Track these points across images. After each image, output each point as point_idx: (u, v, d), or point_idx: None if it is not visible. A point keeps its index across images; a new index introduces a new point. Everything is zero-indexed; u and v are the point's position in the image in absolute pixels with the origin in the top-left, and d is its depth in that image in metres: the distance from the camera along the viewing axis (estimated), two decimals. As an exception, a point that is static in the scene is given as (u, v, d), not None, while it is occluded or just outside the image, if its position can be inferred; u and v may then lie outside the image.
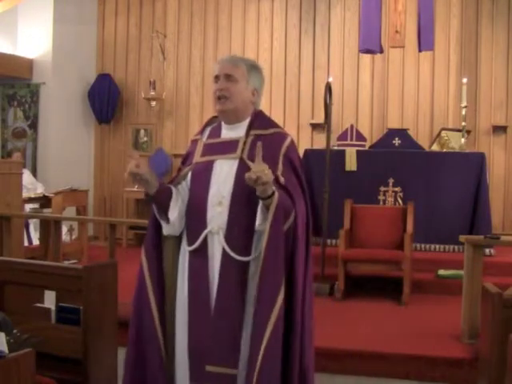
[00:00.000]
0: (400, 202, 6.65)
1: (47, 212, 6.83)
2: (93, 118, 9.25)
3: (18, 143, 8.85)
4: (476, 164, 6.63)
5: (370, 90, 8.37)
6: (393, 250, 5.71)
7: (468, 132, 7.31)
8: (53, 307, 3.36)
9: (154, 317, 2.50)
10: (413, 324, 4.83)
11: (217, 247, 2.43)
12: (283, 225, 2.36)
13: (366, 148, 7.30)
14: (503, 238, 4.98)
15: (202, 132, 2.68)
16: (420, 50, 7.46)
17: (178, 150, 8.96)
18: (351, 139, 7.35)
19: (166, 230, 2.54)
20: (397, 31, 7.61)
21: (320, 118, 7.77)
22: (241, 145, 2.50)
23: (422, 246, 6.64)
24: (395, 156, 6.85)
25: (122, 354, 3.61)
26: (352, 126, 7.57)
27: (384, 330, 4.68)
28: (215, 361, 2.36)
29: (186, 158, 2.67)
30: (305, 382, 2.44)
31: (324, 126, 7.25)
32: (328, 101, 6.29)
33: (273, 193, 2.32)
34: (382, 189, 6.73)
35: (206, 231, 2.44)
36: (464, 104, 6.98)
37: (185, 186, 2.58)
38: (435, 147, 7.37)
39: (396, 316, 5.09)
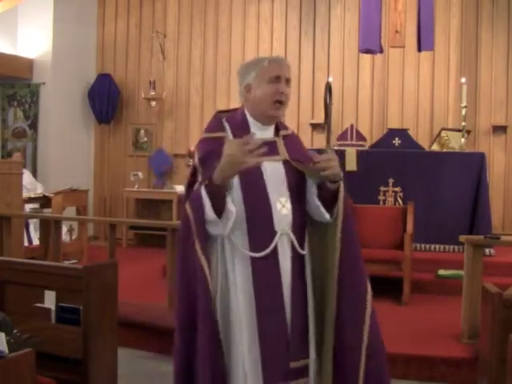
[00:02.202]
0: (400, 202, 6.65)
1: (47, 212, 6.82)
2: (93, 118, 9.26)
3: (18, 143, 8.85)
4: (476, 164, 6.63)
5: (370, 90, 8.37)
6: (393, 250, 5.71)
7: (468, 132, 7.31)
8: (53, 307, 3.35)
9: (218, 324, 2.40)
10: (413, 324, 4.83)
11: (285, 248, 2.45)
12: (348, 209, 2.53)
13: (366, 148, 7.30)
14: (503, 238, 4.99)
15: (222, 129, 2.54)
16: (420, 50, 7.46)
17: (178, 150, 8.97)
18: (351, 139, 7.35)
19: (217, 229, 2.38)
20: (397, 31, 7.62)
21: (320, 118, 7.79)
22: (280, 146, 2.54)
23: (422, 246, 6.64)
24: (395, 156, 6.85)
25: (121, 353, 3.63)
26: (352, 126, 7.57)
27: (384, 330, 4.67)
28: (298, 356, 2.43)
29: (207, 158, 2.45)
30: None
31: (324, 126, 7.25)
32: (328, 101, 6.30)
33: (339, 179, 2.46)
34: (382, 189, 6.74)
35: (278, 235, 2.42)
36: (464, 104, 6.98)
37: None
38: (435, 147, 7.38)
39: (396, 316, 5.09)
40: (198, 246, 2.36)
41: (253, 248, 2.40)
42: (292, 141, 2.60)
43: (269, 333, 2.39)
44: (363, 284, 2.57)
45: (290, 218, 2.46)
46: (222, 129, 2.53)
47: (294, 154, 2.53)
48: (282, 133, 2.58)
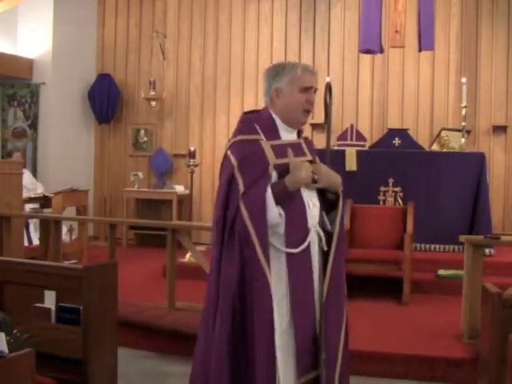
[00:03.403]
0: (400, 202, 6.65)
1: (47, 212, 6.82)
2: (93, 118, 9.26)
3: (18, 143, 8.85)
4: (476, 164, 6.63)
5: (370, 90, 8.37)
6: (393, 250, 5.71)
7: (468, 132, 7.31)
8: (53, 307, 3.36)
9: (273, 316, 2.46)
10: (413, 324, 4.83)
11: (315, 244, 2.62)
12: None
13: (366, 148, 7.30)
14: (503, 238, 4.99)
15: (255, 131, 2.61)
16: (420, 50, 7.46)
17: (178, 150, 8.97)
18: (351, 139, 7.35)
19: (273, 228, 2.49)
20: (397, 31, 7.61)
21: (320, 118, 7.76)
22: (305, 148, 2.74)
23: (422, 246, 6.64)
24: (395, 156, 6.85)
25: (121, 353, 3.63)
26: (352, 126, 7.57)
27: (384, 330, 4.68)
28: (325, 348, 2.55)
29: (246, 160, 2.53)
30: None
31: (324, 126, 7.25)
32: (328, 101, 6.28)
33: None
34: (382, 189, 6.74)
35: (312, 232, 2.59)
36: (464, 104, 6.98)
37: None
38: (435, 147, 7.37)
39: (396, 316, 5.09)
40: (259, 252, 2.43)
41: (289, 244, 2.52)
42: (309, 143, 2.84)
43: (302, 325, 2.52)
44: (342, 300, 2.70)
45: (317, 217, 2.64)
46: (255, 131, 2.61)
47: (313, 155, 2.75)
48: (303, 136, 2.82)
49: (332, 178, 2.64)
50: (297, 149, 2.65)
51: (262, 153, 2.55)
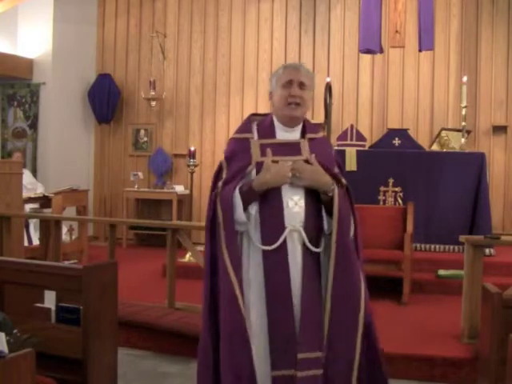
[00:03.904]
0: (400, 202, 6.65)
1: (47, 212, 6.82)
2: (93, 118, 9.26)
3: (18, 143, 8.85)
4: (476, 164, 6.62)
5: (370, 90, 8.37)
6: (393, 250, 5.71)
7: (468, 132, 7.31)
8: (53, 307, 3.36)
9: (242, 311, 2.55)
10: (413, 324, 4.83)
11: (296, 243, 2.59)
12: (348, 219, 2.63)
13: (366, 148, 7.30)
14: (503, 238, 4.99)
15: (248, 130, 2.75)
16: (420, 50, 7.45)
17: (178, 150, 8.97)
18: (351, 139, 7.35)
19: (244, 226, 2.61)
20: (397, 31, 7.61)
21: (320, 118, 7.78)
22: (304, 147, 2.70)
23: (422, 246, 6.64)
24: (395, 156, 6.84)
25: (121, 353, 3.63)
26: (352, 126, 7.57)
27: (384, 330, 4.67)
28: (307, 348, 2.53)
29: (232, 157, 2.71)
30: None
31: (324, 126, 7.25)
32: (328, 101, 6.30)
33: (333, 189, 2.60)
34: (382, 189, 6.74)
35: (286, 230, 2.58)
36: (464, 104, 6.97)
37: None
38: (435, 147, 7.38)
39: (396, 316, 5.09)
40: (224, 246, 2.57)
41: (264, 242, 2.58)
42: (319, 144, 2.75)
43: (276, 323, 2.54)
44: (356, 302, 2.64)
45: (302, 216, 2.60)
46: (249, 130, 2.75)
47: (317, 156, 2.67)
48: (309, 136, 2.74)
49: (316, 177, 2.60)
50: (291, 148, 2.68)
51: (248, 151, 2.67)
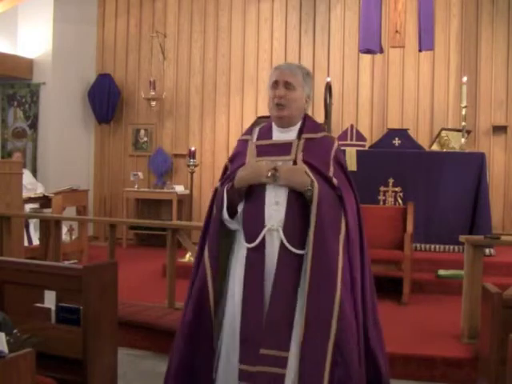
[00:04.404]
0: (400, 202, 6.65)
1: (47, 212, 6.82)
2: (93, 118, 9.26)
3: (18, 143, 8.85)
4: (476, 164, 6.62)
5: (370, 90, 8.37)
6: (393, 250, 5.71)
7: (468, 132, 7.31)
8: (53, 307, 3.35)
9: (210, 302, 2.67)
10: (413, 324, 4.83)
11: (275, 242, 2.63)
12: (328, 215, 2.59)
13: (366, 148, 7.30)
14: (503, 238, 4.98)
15: (250, 132, 2.86)
16: (420, 50, 7.45)
17: (178, 150, 8.97)
18: (351, 139, 7.35)
19: (233, 225, 2.73)
20: (397, 31, 7.61)
21: (320, 118, 7.78)
22: (294, 147, 2.71)
23: (422, 246, 6.64)
24: (395, 156, 6.84)
25: (121, 353, 3.63)
26: (352, 126, 7.57)
27: (384, 329, 4.67)
28: (271, 345, 2.54)
29: (234, 158, 2.84)
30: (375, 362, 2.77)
31: (324, 126, 7.24)
32: (328, 101, 6.30)
33: (312, 186, 2.60)
34: (382, 189, 6.74)
35: (265, 229, 2.63)
36: (464, 104, 6.97)
37: None
38: (435, 147, 7.37)
39: (396, 316, 5.09)
40: (208, 239, 2.72)
41: (247, 239, 2.67)
42: (317, 144, 2.73)
43: (246, 316, 2.61)
44: (330, 304, 2.55)
45: (282, 216, 2.62)
46: (250, 132, 2.86)
47: (309, 157, 2.67)
48: (306, 136, 2.74)
49: (293, 178, 2.61)
50: (280, 148, 2.72)
51: (245, 152, 2.78)
